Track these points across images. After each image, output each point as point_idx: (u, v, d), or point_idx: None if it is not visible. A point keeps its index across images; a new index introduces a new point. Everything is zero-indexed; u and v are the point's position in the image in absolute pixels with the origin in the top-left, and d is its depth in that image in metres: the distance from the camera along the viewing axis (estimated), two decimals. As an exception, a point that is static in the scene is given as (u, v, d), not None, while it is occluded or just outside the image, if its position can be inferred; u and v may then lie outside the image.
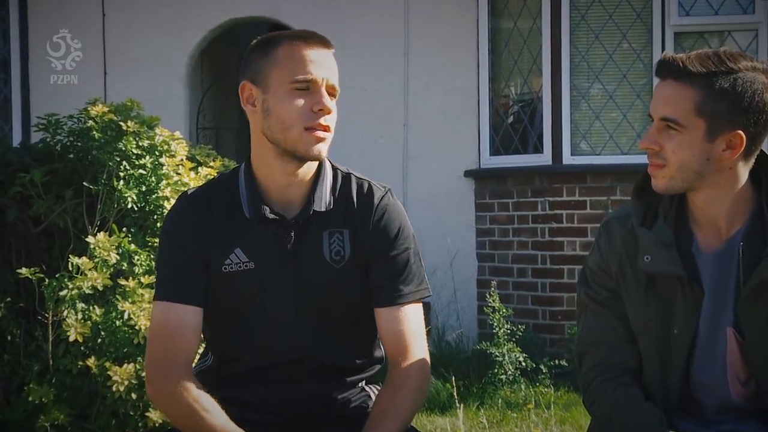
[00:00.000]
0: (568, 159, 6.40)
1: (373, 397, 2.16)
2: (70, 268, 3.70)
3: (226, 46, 8.42)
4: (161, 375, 1.99)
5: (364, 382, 2.21)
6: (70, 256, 3.76)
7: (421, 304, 2.14)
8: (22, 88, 7.26)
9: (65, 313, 3.66)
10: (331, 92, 2.03)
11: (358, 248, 2.09)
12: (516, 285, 6.53)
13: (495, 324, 5.37)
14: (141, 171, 4.03)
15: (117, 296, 3.69)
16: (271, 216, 2.06)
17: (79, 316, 3.66)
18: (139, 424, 3.66)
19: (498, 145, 6.81)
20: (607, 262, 2.09)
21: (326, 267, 2.08)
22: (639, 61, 6.39)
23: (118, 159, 4.01)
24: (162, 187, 4.01)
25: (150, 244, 3.91)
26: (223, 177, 2.19)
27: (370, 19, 7.05)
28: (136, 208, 3.98)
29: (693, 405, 2.05)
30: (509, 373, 5.29)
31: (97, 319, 3.66)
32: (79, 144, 4.15)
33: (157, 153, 4.07)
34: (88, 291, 3.65)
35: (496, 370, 5.29)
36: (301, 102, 1.99)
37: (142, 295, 3.66)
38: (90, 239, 3.76)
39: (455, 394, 4.76)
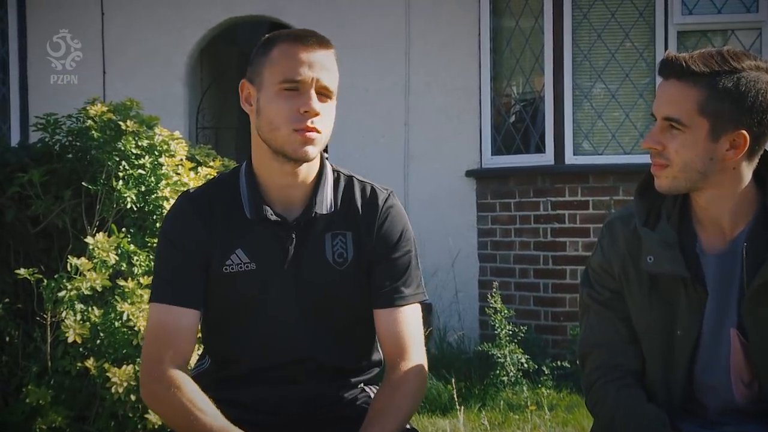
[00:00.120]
0: (570, 159, 6.40)
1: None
2: (69, 269, 3.70)
3: (225, 46, 8.43)
4: (153, 378, 1.99)
5: (363, 383, 2.22)
6: (68, 256, 3.75)
7: (419, 307, 2.16)
8: (20, 88, 7.27)
9: (64, 314, 3.65)
10: (325, 93, 2.02)
11: (361, 250, 2.11)
12: (518, 286, 6.53)
13: (497, 325, 5.37)
14: (140, 171, 4.03)
15: (116, 297, 3.69)
16: (273, 217, 2.06)
17: (78, 317, 3.66)
18: (138, 426, 3.65)
19: (500, 144, 6.81)
20: (610, 262, 2.09)
21: (329, 269, 2.09)
22: (642, 60, 6.39)
23: (117, 159, 4.01)
24: (161, 187, 4.01)
25: (149, 244, 3.91)
26: (223, 177, 2.19)
27: (371, 18, 7.05)
28: (135, 209, 3.98)
29: (696, 406, 2.05)
30: (511, 374, 5.29)
31: (96, 320, 3.66)
32: (78, 144, 4.15)
33: (156, 153, 4.07)
34: (86, 292, 3.65)
35: (497, 372, 5.29)
36: (288, 103, 1.99)
37: (142, 296, 3.66)
38: (89, 240, 3.76)
39: (455, 396, 4.76)
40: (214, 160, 4.58)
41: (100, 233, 3.81)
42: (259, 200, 2.07)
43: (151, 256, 3.82)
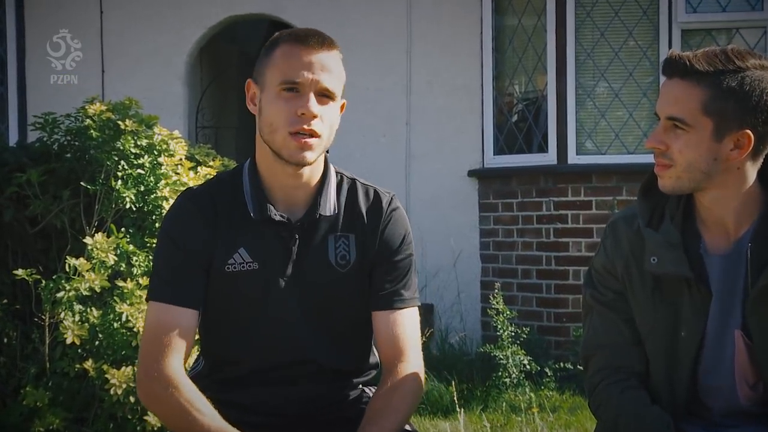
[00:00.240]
0: (573, 158, 6.40)
1: (374, 399, 2.18)
2: (68, 270, 3.70)
3: (225, 44, 8.43)
4: (151, 377, 1.99)
5: (362, 384, 2.23)
6: (67, 257, 3.75)
7: (417, 310, 2.18)
8: (18, 88, 7.28)
9: (62, 315, 3.66)
10: (327, 95, 2.02)
11: (363, 253, 2.12)
12: (520, 286, 6.53)
13: (499, 326, 5.37)
14: (139, 171, 4.03)
15: (115, 298, 3.69)
16: (277, 217, 2.06)
17: (77, 318, 3.66)
18: (138, 428, 3.66)
19: (502, 144, 6.81)
20: (613, 263, 2.09)
21: (331, 270, 2.10)
22: (645, 58, 6.39)
23: (116, 158, 4.01)
24: (161, 187, 4.01)
25: (149, 244, 3.91)
26: (224, 176, 2.20)
27: (372, 17, 7.05)
28: (134, 209, 3.98)
29: (700, 408, 2.05)
30: (513, 376, 5.29)
31: (95, 321, 3.66)
32: (77, 143, 4.15)
33: (155, 152, 4.07)
34: (85, 293, 3.65)
35: (500, 373, 5.29)
36: (287, 105, 1.99)
37: (141, 297, 3.66)
38: (87, 240, 3.76)
39: (455, 398, 4.76)
40: (213, 160, 4.58)
41: (99, 233, 3.81)
42: (263, 200, 2.08)
43: (150, 257, 3.82)
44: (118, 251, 3.76)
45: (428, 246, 6.44)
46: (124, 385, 3.54)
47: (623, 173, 6.23)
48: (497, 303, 5.40)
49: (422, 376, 2.13)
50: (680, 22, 6.27)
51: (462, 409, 4.70)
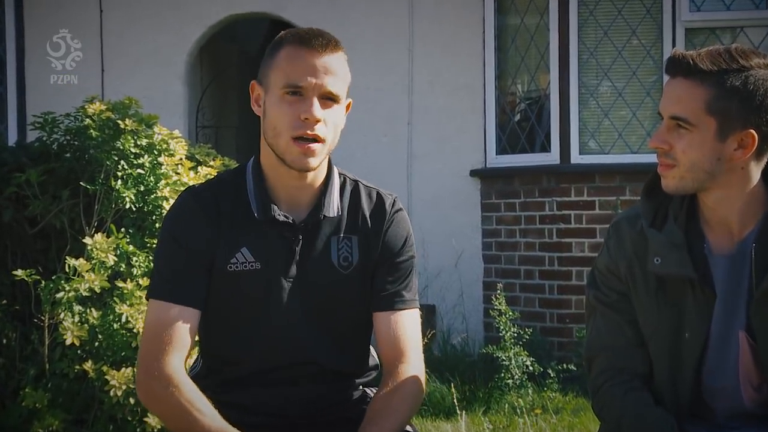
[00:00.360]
0: (576, 158, 6.40)
1: (375, 400, 2.18)
2: (67, 270, 3.71)
3: (225, 43, 8.43)
4: (151, 376, 1.99)
5: (363, 385, 2.24)
6: (66, 257, 3.76)
7: (418, 311, 2.19)
8: (17, 88, 7.29)
9: (62, 316, 3.66)
10: (331, 98, 2.02)
11: (366, 255, 2.14)
12: (523, 287, 6.53)
13: (501, 327, 5.37)
14: (139, 170, 4.03)
15: (115, 299, 3.69)
16: (281, 218, 2.07)
17: (76, 318, 3.66)
18: (137, 430, 3.66)
19: (504, 143, 6.81)
20: (616, 263, 2.09)
21: (334, 272, 2.11)
22: (649, 57, 6.39)
23: (116, 158, 4.01)
24: (161, 187, 4.01)
25: (149, 245, 3.91)
26: (226, 175, 2.20)
27: (373, 15, 7.05)
28: (134, 209, 3.99)
29: (704, 410, 2.05)
30: (516, 377, 5.29)
31: (95, 322, 3.67)
32: (76, 143, 4.15)
33: (155, 152, 4.07)
34: (85, 293, 3.65)
35: (502, 375, 5.29)
36: (290, 109, 2.00)
37: (141, 297, 3.66)
38: (87, 240, 3.76)
39: (455, 401, 4.76)
40: (214, 160, 4.58)
41: (99, 234, 3.81)
42: (267, 200, 2.09)
43: (150, 257, 3.82)
44: (118, 251, 3.77)
45: (430, 247, 6.45)
46: (124, 387, 3.54)
47: (626, 173, 6.23)
48: (500, 304, 5.40)
49: (423, 377, 2.13)
50: (684, 21, 6.27)
51: (464, 411, 4.70)
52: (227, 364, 2.14)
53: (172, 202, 3.85)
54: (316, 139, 2.00)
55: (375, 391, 2.20)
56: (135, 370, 3.54)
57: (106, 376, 3.56)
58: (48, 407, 3.65)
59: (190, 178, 4.06)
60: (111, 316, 3.66)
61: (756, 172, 1.97)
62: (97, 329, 3.67)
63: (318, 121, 1.99)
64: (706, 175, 1.94)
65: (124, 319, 3.62)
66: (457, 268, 6.74)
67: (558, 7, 6.43)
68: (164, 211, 3.94)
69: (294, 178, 2.07)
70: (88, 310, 3.70)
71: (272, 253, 2.08)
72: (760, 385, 2.01)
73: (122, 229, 3.92)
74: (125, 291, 3.68)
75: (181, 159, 4.14)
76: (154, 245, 3.84)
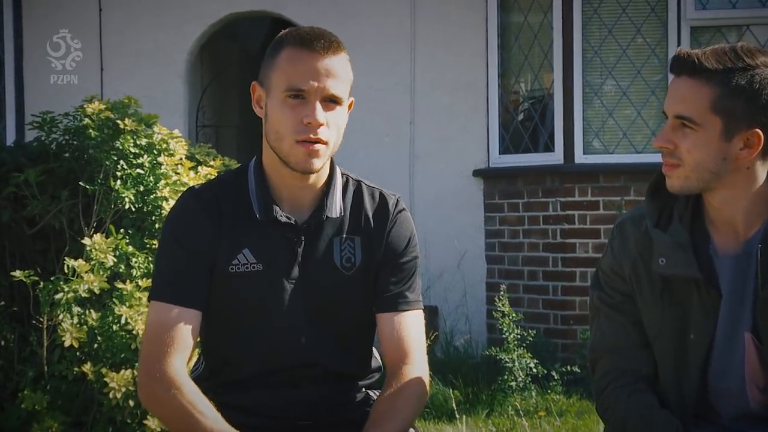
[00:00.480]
0: (580, 158, 6.40)
1: (378, 402, 2.18)
2: (66, 271, 3.71)
3: (226, 42, 8.43)
4: (153, 377, 1.99)
5: (366, 387, 2.24)
6: (65, 258, 3.76)
7: (422, 312, 2.19)
8: (16, 88, 7.30)
9: (60, 318, 3.66)
10: (334, 100, 2.02)
11: (369, 255, 2.14)
12: (526, 288, 6.53)
13: (505, 329, 5.37)
14: (139, 170, 4.04)
15: (114, 300, 3.69)
16: (283, 219, 2.07)
17: (75, 320, 3.66)
18: (137, 432, 3.67)
19: (508, 143, 6.81)
20: (621, 264, 2.09)
21: (336, 273, 2.11)
22: (654, 56, 6.39)
23: (115, 158, 4.02)
24: (160, 187, 4.02)
25: (148, 245, 3.91)
26: (227, 175, 2.21)
27: (375, 13, 7.06)
28: (133, 209, 3.99)
29: (709, 412, 2.05)
30: (519, 379, 5.29)
31: (94, 323, 3.67)
32: (75, 143, 4.16)
33: (155, 152, 4.08)
34: (84, 294, 3.65)
35: (505, 377, 5.29)
36: (293, 113, 2.00)
37: (140, 298, 3.66)
38: (86, 241, 3.76)
39: (455, 405, 4.75)
40: (214, 160, 4.58)
41: (98, 234, 3.82)
42: (269, 201, 2.09)
43: (150, 258, 3.82)
44: (117, 252, 3.77)
45: (432, 247, 6.44)
46: (123, 389, 3.54)
47: (631, 173, 6.23)
48: (503, 305, 5.40)
49: (427, 379, 2.13)
50: (689, 19, 6.27)
51: (464, 415, 4.69)
52: (228, 366, 2.14)
53: (172, 202, 3.87)
54: (319, 142, 2.01)
55: (378, 393, 2.20)
56: (135, 372, 3.56)
57: (105, 378, 3.56)
58: (47, 409, 3.65)
59: (190, 178, 4.06)
60: (110, 318, 3.66)
61: (762, 172, 1.97)
62: (96, 331, 3.67)
63: (321, 124, 1.99)
64: (711, 175, 1.94)
65: (123, 321, 3.62)
66: (459, 268, 6.74)
67: (562, 5, 6.43)
68: (164, 212, 3.95)
69: (296, 178, 2.08)
70: (87, 312, 3.70)
71: (274, 255, 2.08)
72: (766, 387, 2.00)
73: (121, 230, 3.93)
74: (125, 292, 3.69)
75: (181, 159, 4.14)
76: (154, 246, 3.85)
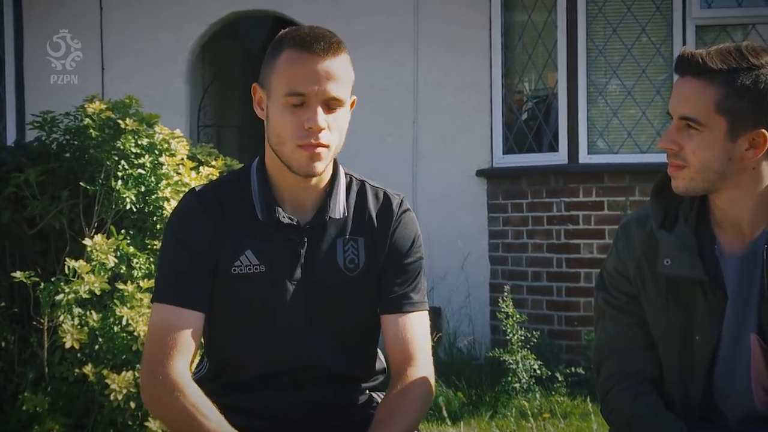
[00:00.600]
0: (584, 158, 6.40)
1: (381, 404, 2.19)
2: (67, 272, 3.71)
3: (227, 41, 8.44)
4: (156, 380, 2.00)
5: (369, 389, 2.24)
6: (66, 259, 3.77)
7: (427, 313, 2.19)
8: (16, 88, 7.32)
9: (61, 319, 3.67)
10: (336, 102, 2.02)
11: (373, 256, 2.14)
12: (530, 289, 6.53)
13: (508, 330, 5.37)
14: (140, 170, 4.04)
15: (115, 301, 3.70)
16: (286, 220, 2.08)
17: (76, 321, 3.67)
18: (138, 434, 3.67)
19: (511, 143, 6.81)
20: (626, 265, 2.09)
21: (340, 274, 2.11)
22: (659, 55, 6.39)
23: (116, 158, 4.02)
24: (162, 188, 4.02)
25: (149, 246, 3.92)
26: (230, 176, 2.21)
27: (378, 12, 7.06)
28: (135, 209, 4.00)
29: (715, 414, 2.05)
30: (523, 381, 5.29)
31: (95, 324, 3.68)
32: (76, 143, 4.16)
33: (156, 152, 4.08)
34: (84, 295, 3.66)
35: (509, 379, 5.29)
36: (294, 117, 1.99)
37: (141, 299, 3.67)
38: (87, 241, 3.77)
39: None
40: (216, 160, 4.59)
41: (99, 235, 3.82)
42: (272, 202, 2.09)
43: (151, 259, 3.83)
44: (119, 253, 3.77)
45: (436, 248, 6.44)
46: (124, 391, 3.55)
47: (636, 173, 6.23)
48: (507, 306, 5.41)
49: (432, 380, 2.13)
50: (695, 18, 6.26)
51: (468, 417, 4.69)
52: (231, 367, 2.15)
53: (173, 202, 3.88)
54: (320, 145, 2.01)
55: (381, 395, 2.21)
56: (136, 373, 3.57)
57: (106, 380, 3.57)
58: (48, 411, 3.66)
59: (192, 179, 4.07)
60: (111, 319, 3.66)
61: (767, 172, 1.97)
62: (97, 332, 3.67)
63: (322, 129, 1.99)
64: (716, 175, 1.94)
65: (124, 322, 3.63)
66: (463, 269, 6.74)
67: (566, 4, 6.43)
68: (165, 212, 3.95)
69: (299, 180, 2.08)
70: (87, 313, 3.70)
71: (277, 256, 2.09)
72: (773, 389, 2.01)
73: (122, 230, 3.93)
74: (126, 293, 3.69)
75: (182, 159, 4.15)
76: (155, 247, 3.86)
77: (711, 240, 2.02)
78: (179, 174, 4.08)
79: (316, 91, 1.98)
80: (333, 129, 2.02)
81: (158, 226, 3.98)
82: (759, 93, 1.89)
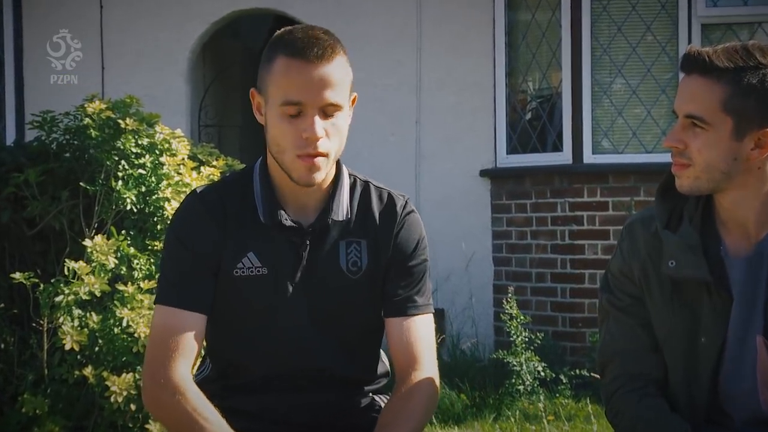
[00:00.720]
0: (589, 158, 6.39)
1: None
2: (66, 273, 3.72)
3: (228, 40, 8.44)
4: (157, 383, 1.99)
5: (372, 393, 2.24)
6: (66, 260, 3.77)
7: (432, 316, 2.18)
8: (16, 88, 7.33)
9: (61, 320, 3.67)
10: (333, 108, 2.00)
11: (376, 259, 2.13)
12: (534, 290, 6.52)
13: (512, 332, 5.37)
14: (140, 171, 4.04)
15: (115, 302, 3.70)
16: (288, 222, 2.07)
17: (76, 323, 3.67)
18: (139, 437, 3.67)
19: (515, 143, 6.81)
20: (630, 266, 2.09)
21: (342, 277, 2.11)
22: (664, 54, 6.38)
23: (117, 158, 4.02)
24: (162, 188, 4.02)
25: (150, 247, 3.92)
26: (232, 177, 2.21)
27: (380, 11, 7.05)
28: (135, 210, 4.00)
29: (721, 417, 2.05)
30: (527, 383, 5.28)
31: (95, 326, 3.68)
32: (76, 142, 4.17)
33: (157, 152, 4.09)
34: (84, 297, 3.66)
35: (513, 381, 5.29)
36: (291, 127, 1.98)
37: (142, 301, 3.67)
38: (87, 242, 3.77)
39: (461, 409, 4.75)
40: (217, 160, 4.59)
41: (99, 235, 3.82)
42: (274, 204, 2.09)
43: (152, 260, 3.83)
44: (119, 254, 3.78)
45: (439, 248, 6.43)
46: (124, 393, 3.55)
47: (641, 173, 6.22)
48: (510, 307, 5.40)
49: (437, 383, 2.13)
50: (700, 17, 6.26)
51: (472, 419, 4.69)
52: (233, 370, 2.15)
53: (174, 203, 3.88)
54: (319, 155, 2.00)
55: (384, 398, 2.21)
56: (136, 375, 3.57)
57: (106, 382, 3.57)
58: (48, 413, 3.66)
59: (193, 179, 4.07)
60: (111, 320, 3.66)
61: (773, 172, 1.97)
62: (97, 334, 3.68)
63: (319, 138, 1.98)
64: (722, 175, 1.94)
65: (124, 324, 3.63)
66: (467, 270, 6.73)
67: (570, 2, 6.42)
68: (166, 213, 3.96)
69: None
70: (87, 314, 3.71)
71: (279, 258, 2.08)
72: (779, 391, 2.00)
73: (123, 231, 3.93)
74: (126, 294, 3.69)
75: (183, 159, 4.15)
76: (156, 247, 3.86)
77: (716, 241, 2.01)
78: (180, 174, 4.08)
79: (312, 99, 1.97)
80: (332, 135, 2.01)
81: (159, 227, 3.99)
82: (765, 92, 1.88)
